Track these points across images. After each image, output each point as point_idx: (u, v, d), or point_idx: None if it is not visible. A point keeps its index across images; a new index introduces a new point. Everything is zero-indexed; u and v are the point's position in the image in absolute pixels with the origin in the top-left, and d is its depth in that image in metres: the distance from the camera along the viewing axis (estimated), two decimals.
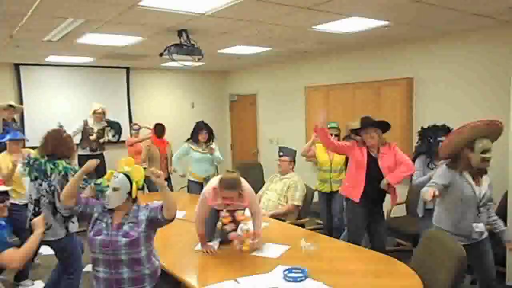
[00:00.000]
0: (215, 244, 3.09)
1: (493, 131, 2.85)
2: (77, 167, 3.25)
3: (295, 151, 4.59)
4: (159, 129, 6.00)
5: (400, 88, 5.18)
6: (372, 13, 3.74)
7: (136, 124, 6.68)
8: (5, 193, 2.59)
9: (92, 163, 2.51)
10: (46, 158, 3.10)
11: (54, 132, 3.26)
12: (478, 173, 2.87)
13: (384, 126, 3.62)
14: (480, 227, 2.85)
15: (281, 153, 4.29)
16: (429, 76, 5.00)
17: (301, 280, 2.45)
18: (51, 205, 3.09)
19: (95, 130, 6.08)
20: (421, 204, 3.76)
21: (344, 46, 5.57)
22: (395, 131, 5.10)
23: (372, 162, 3.56)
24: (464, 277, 2.48)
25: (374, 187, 3.53)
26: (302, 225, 4.03)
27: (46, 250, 3.68)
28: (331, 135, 4.62)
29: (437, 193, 2.72)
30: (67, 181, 2.99)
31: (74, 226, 3.22)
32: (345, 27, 4.24)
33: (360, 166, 3.59)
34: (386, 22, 4.08)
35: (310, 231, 3.73)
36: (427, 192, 2.71)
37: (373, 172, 3.53)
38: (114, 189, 2.31)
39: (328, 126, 4.68)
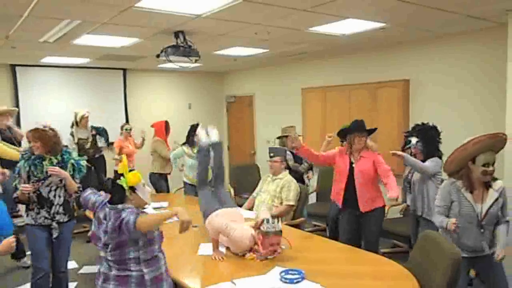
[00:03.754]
0: (222, 248, 3.06)
1: (496, 143, 2.82)
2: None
3: (286, 150, 4.64)
4: (167, 127, 5.99)
5: (397, 90, 5.20)
6: (368, 15, 3.76)
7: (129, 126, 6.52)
8: None
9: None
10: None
11: None
12: (482, 188, 2.84)
13: (371, 132, 3.78)
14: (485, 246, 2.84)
15: (271, 154, 4.26)
16: (426, 78, 5.02)
17: (298, 282, 2.45)
18: None
19: (86, 138, 5.86)
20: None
21: (340, 48, 5.59)
22: (392, 133, 5.13)
23: (352, 169, 3.71)
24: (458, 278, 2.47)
25: (353, 193, 3.69)
26: (298, 225, 4.02)
27: None
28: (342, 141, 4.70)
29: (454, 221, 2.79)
30: (19, 175, 3.27)
31: (26, 219, 3.29)
32: (341, 29, 4.25)
33: (341, 174, 3.78)
34: (382, 24, 4.09)
35: (308, 233, 3.73)
36: (448, 224, 2.81)
37: (351, 178, 3.70)
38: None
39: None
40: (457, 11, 3.63)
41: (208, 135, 3.72)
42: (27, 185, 3.18)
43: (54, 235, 3.34)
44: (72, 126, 5.80)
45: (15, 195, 3.25)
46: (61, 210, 3.34)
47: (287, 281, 2.46)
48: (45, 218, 3.29)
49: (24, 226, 3.35)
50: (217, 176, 3.67)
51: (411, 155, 3.78)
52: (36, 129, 3.29)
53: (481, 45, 4.49)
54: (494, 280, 2.90)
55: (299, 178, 4.98)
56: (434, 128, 3.82)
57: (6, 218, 3.24)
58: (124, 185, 2.34)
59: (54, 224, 3.32)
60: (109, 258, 2.27)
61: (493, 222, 2.86)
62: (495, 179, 2.86)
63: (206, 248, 3.09)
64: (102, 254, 2.32)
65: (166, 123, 6.01)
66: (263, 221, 2.87)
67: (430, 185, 3.67)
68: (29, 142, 3.33)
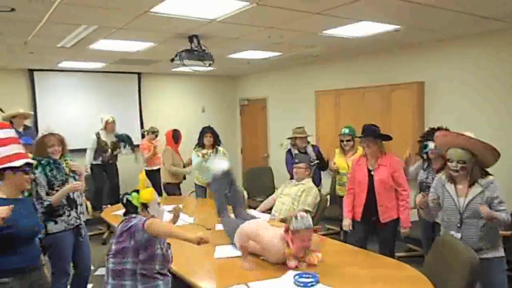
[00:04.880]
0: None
1: (472, 147, 2.76)
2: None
3: (310, 157, 4.76)
4: (175, 135, 5.99)
5: (411, 92, 5.15)
6: (382, 17, 3.74)
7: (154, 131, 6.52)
8: (30, 165, 2.62)
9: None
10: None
11: None
12: (466, 183, 2.81)
13: (384, 138, 3.69)
14: (456, 236, 2.78)
15: (296, 160, 4.32)
16: (441, 80, 4.95)
17: (312, 285, 2.44)
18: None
19: (109, 143, 5.98)
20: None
21: (354, 50, 5.56)
22: (406, 136, 5.07)
23: (370, 178, 3.66)
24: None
25: (373, 203, 3.64)
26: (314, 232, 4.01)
27: None
28: (342, 141, 4.81)
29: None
30: (37, 184, 3.13)
31: (54, 227, 3.19)
32: (355, 31, 4.23)
33: (360, 186, 3.71)
34: (396, 26, 4.06)
35: (320, 236, 3.71)
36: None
37: (371, 188, 3.65)
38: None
39: (341, 132, 4.93)
40: (472, 12, 3.58)
41: (218, 165, 3.78)
42: (76, 182, 3.24)
43: (83, 234, 3.41)
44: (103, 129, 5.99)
45: (46, 203, 3.10)
46: (82, 209, 3.45)
47: (301, 284, 2.46)
48: (76, 218, 3.33)
49: (47, 235, 3.18)
50: (235, 202, 3.67)
51: (427, 159, 3.76)
52: (54, 134, 3.34)
53: (497, 46, 4.41)
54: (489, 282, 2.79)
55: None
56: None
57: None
58: (134, 202, 2.46)
59: (83, 223, 3.41)
60: (109, 265, 2.34)
61: (477, 216, 2.74)
62: (487, 175, 2.80)
63: (222, 251, 3.10)
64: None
65: (174, 131, 5.94)
66: (291, 217, 2.81)
67: None
68: (49, 147, 3.22)
